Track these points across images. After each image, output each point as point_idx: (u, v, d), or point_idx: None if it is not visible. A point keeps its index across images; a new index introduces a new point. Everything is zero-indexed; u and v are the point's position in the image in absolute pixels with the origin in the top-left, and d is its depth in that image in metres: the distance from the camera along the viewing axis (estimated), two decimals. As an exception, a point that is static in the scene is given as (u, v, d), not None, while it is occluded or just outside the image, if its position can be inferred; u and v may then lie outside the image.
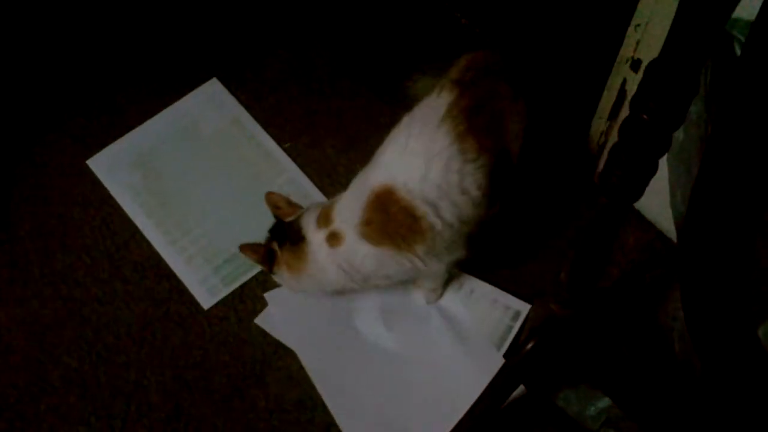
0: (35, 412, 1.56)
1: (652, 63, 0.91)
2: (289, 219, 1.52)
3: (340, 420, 1.55)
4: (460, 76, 1.47)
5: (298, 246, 1.48)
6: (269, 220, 1.55)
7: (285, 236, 1.50)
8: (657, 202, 1.59)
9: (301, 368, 1.59)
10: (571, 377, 1.52)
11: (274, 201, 1.56)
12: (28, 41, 1.96)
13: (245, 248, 1.53)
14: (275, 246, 1.51)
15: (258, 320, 1.64)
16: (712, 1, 0.84)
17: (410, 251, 1.43)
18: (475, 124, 1.40)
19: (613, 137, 0.98)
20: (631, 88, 1.57)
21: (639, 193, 1.02)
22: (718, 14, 0.85)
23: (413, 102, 1.48)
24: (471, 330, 1.62)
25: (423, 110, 1.43)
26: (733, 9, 0.86)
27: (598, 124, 1.70)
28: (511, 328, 1.62)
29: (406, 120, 1.44)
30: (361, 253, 1.44)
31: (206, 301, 1.66)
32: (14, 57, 1.94)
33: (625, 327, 1.55)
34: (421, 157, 1.38)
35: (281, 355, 1.61)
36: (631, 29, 1.49)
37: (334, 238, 1.44)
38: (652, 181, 1.02)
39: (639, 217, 1.70)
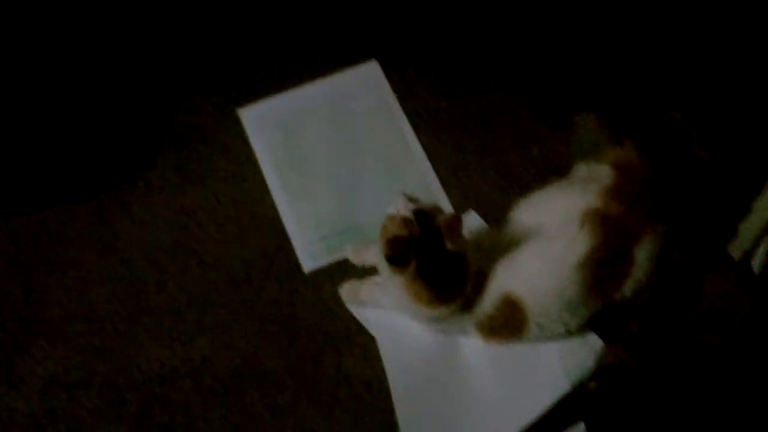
0: (131, 329, 1.66)
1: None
2: (454, 248, 1.41)
3: (399, 414, 1.55)
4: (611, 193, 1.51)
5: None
6: (389, 205, 1.46)
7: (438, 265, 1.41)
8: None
9: (378, 352, 1.61)
10: (634, 427, 1.44)
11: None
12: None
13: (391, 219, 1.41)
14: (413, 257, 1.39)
15: (352, 309, 1.66)
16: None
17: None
18: (601, 274, 1.45)
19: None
20: None
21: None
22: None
23: (571, 135, 1.72)
24: (554, 362, 1.58)
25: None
26: None
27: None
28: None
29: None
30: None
31: (308, 265, 1.71)
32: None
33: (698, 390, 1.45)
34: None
35: (363, 333, 1.63)
36: None
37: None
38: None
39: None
